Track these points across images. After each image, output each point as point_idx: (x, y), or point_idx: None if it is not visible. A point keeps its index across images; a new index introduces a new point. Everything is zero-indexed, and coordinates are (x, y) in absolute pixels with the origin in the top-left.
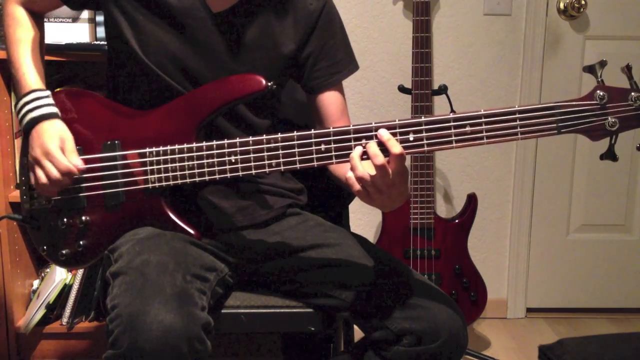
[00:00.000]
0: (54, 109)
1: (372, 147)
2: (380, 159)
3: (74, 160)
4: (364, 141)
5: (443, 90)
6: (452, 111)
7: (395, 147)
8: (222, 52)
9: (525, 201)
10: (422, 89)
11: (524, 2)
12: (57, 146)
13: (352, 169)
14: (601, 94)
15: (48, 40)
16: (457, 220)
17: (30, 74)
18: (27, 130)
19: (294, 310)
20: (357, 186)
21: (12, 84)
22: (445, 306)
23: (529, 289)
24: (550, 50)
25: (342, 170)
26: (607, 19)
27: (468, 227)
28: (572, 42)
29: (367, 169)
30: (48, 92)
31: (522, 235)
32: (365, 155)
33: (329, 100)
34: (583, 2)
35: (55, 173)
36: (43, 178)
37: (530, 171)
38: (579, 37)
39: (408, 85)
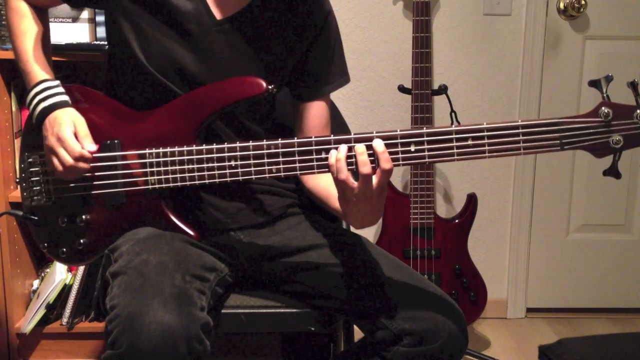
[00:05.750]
0: (65, 97)
1: (363, 156)
2: (367, 168)
3: (86, 145)
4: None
5: (443, 90)
6: (452, 111)
7: (386, 163)
8: (225, 59)
9: (525, 201)
10: (422, 89)
11: (524, 2)
12: (71, 132)
13: (338, 170)
14: (606, 111)
15: None
16: (457, 220)
17: (38, 65)
18: (39, 120)
19: (294, 310)
20: (338, 188)
21: (15, 89)
22: (446, 306)
23: (529, 289)
24: (550, 50)
25: (325, 184)
26: (607, 19)
27: (468, 227)
28: (572, 42)
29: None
30: (58, 82)
31: (522, 235)
32: (350, 159)
33: (314, 111)
34: (583, 2)
35: (69, 159)
36: (59, 166)
37: (530, 171)
38: (579, 37)
39: (408, 85)
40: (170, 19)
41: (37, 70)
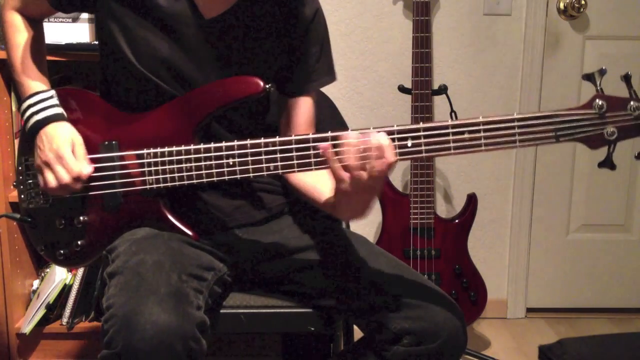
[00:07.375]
0: (60, 110)
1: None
2: (357, 164)
3: (84, 167)
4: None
5: (443, 90)
6: (452, 111)
7: (391, 157)
8: (213, 59)
9: (525, 201)
10: (422, 89)
11: (524, 2)
12: (70, 151)
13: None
14: (600, 103)
15: (48, 40)
16: (457, 220)
17: (32, 77)
18: (32, 133)
19: (294, 310)
20: (338, 174)
21: (15, 88)
22: (445, 306)
23: (529, 289)
24: (550, 50)
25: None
26: (607, 19)
27: (468, 227)
28: (572, 42)
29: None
30: (52, 92)
31: (522, 235)
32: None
33: (299, 107)
34: (583, 2)
35: (66, 177)
36: (53, 182)
37: (530, 171)
38: (579, 37)
39: (408, 85)
40: (158, 20)
41: (31, 82)
